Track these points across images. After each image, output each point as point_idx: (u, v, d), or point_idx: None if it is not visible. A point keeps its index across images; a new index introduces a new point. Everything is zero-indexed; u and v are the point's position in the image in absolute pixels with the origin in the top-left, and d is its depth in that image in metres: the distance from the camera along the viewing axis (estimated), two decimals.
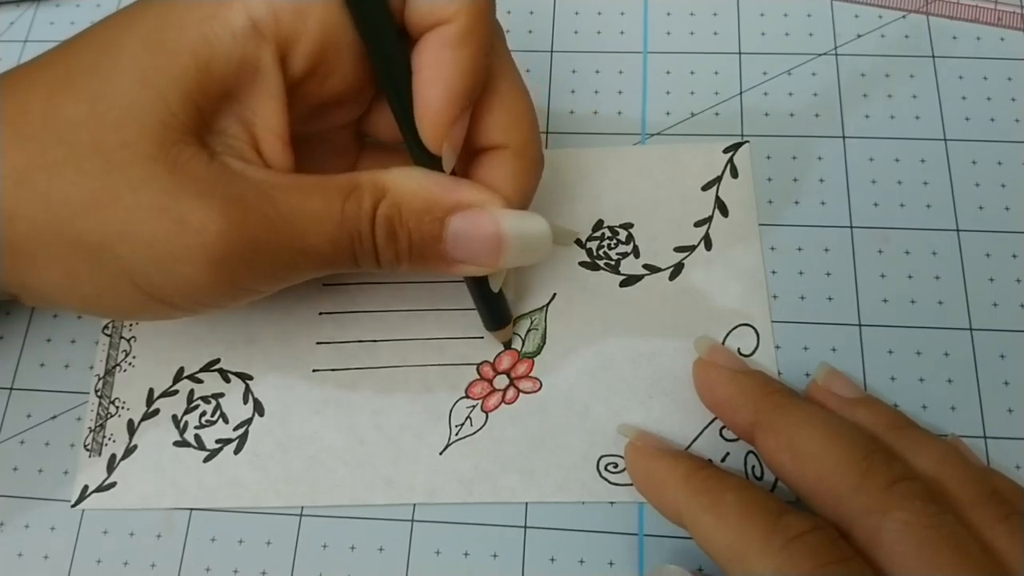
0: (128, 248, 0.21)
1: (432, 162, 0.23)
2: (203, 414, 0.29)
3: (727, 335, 0.29)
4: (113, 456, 0.28)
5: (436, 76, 0.22)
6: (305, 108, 0.24)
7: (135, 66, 0.21)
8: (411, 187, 0.23)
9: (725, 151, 0.32)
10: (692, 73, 0.33)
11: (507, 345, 0.29)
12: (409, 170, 0.23)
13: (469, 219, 0.23)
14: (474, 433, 0.28)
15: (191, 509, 0.28)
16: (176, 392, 0.29)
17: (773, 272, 0.30)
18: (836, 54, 0.33)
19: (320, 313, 0.30)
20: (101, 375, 0.30)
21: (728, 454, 0.27)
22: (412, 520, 0.27)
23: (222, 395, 0.29)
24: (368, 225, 0.22)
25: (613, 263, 0.30)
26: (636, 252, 0.30)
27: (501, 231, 0.23)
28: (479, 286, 0.27)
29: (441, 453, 0.28)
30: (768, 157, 0.31)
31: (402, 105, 0.23)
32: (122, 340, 0.30)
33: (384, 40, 0.22)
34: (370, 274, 0.30)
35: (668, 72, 0.33)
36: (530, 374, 0.29)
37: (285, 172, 0.23)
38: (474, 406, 0.28)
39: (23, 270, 0.22)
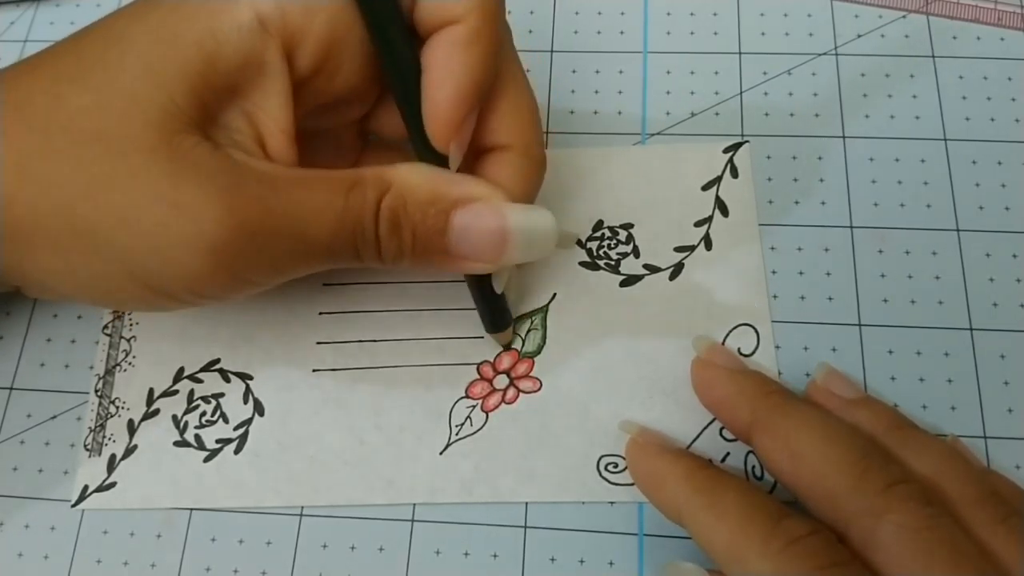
0: (125, 235, 0.21)
1: (438, 161, 0.23)
2: (203, 414, 0.29)
3: (727, 335, 0.29)
4: (113, 456, 0.28)
5: (445, 76, 0.22)
6: (311, 105, 0.24)
7: (141, 58, 0.21)
8: (416, 180, 0.23)
9: (725, 151, 0.32)
10: (692, 73, 0.33)
11: (507, 347, 0.29)
12: (414, 165, 0.23)
13: (474, 212, 0.23)
14: (474, 433, 0.28)
15: (191, 509, 0.28)
16: (176, 392, 0.29)
17: (773, 272, 0.30)
18: (836, 54, 0.33)
19: (320, 313, 0.30)
20: (101, 375, 0.30)
21: (728, 454, 0.27)
22: (412, 520, 0.27)
23: (222, 395, 0.29)
24: (371, 218, 0.22)
25: (613, 263, 0.30)
26: (636, 252, 0.30)
27: (506, 225, 0.23)
28: (481, 288, 0.27)
29: (441, 453, 0.28)
30: (768, 157, 0.31)
31: (410, 104, 0.23)
32: (122, 340, 0.30)
33: (394, 39, 0.22)
34: (370, 274, 0.30)
35: (668, 72, 0.33)
36: (530, 374, 0.29)
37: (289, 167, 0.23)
38: (474, 406, 0.28)
39: (22, 256, 0.22)
